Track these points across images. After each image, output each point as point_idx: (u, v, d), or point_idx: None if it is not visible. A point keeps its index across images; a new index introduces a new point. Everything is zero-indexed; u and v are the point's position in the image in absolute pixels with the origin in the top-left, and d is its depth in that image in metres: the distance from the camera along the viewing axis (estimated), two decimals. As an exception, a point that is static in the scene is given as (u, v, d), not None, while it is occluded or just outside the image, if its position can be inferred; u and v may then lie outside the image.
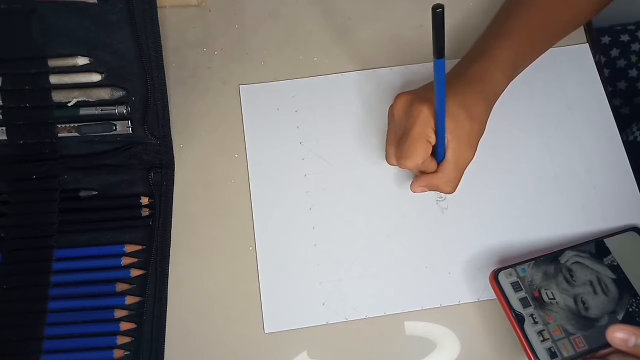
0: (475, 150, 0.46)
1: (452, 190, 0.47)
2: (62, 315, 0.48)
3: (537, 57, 0.53)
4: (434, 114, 0.44)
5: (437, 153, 0.46)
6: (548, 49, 0.53)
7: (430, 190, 0.48)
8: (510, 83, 0.54)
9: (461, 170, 0.46)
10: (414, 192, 0.48)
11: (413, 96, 0.46)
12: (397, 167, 0.48)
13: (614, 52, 0.86)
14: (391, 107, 0.48)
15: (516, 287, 0.45)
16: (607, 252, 0.48)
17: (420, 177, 0.48)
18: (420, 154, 0.45)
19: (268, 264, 0.50)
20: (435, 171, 0.47)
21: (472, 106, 0.45)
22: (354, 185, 0.53)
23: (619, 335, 0.38)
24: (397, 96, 0.47)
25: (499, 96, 0.49)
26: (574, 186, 0.52)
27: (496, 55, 0.48)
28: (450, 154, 0.45)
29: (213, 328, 0.49)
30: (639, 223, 0.51)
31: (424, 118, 0.44)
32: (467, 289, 0.49)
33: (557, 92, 0.56)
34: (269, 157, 0.54)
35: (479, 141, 0.46)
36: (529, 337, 0.43)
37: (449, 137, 0.44)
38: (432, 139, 0.45)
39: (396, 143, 0.47)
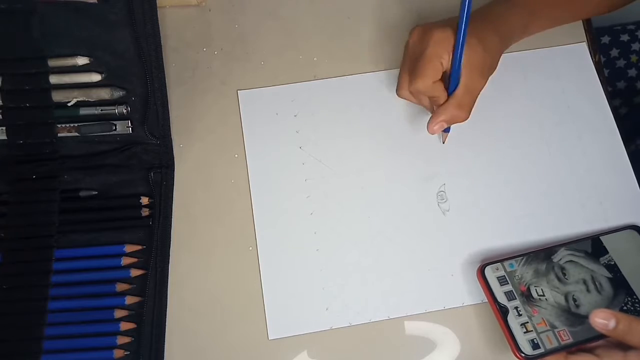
0: (485, 82, 0.48)
1: (467, 115, 0.48)
2: (62, 315, 0.48)
3: (560, 15, 0.54)
4: (449, 39, 0.46)
5: (451, 81, 0.47)
6: (572, 9, 0.54)
7: (447, 124, 0.48)
8: (509, 83, 0.55)
9: (473, 97, 0.48)
10: (432, 131, 0.48)
11: (428, 25, 0.48)
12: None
13: (614, 52, 0.86)
14: (409, 36, 0.49)
15: (502, 281, 0.46)
16: (605, 251, 0.48)
17: (434, 113, 0.48)
18: (431, 73, 0.46)
19: (270, 270, 0.50)
20: (447, 101, 0.48)
21: (487, 39, 0.47)
22: (355, 189, 0.53)
23: (599, 318, 0.40)
24: (413, 28, 0.49)
25: (513, 39, 0.51)
26: (575, 186, 0.52)
27: (515, 0, 0.51)
28: (462, 80, 0.47)
29: (214, 328, 0.49)
30: (638, 222, 0.51)
31: (437, 40, 0.46)
32: (471, 291, 0.49)
33: (556, 92, 0.56)
34: (269, 162, 0.54)
35: (489, 75, 0.48)
36: (511, 328, 0.44)
37: (462, 63, 0.46)
38: (445, 61, 0.46)
39: (409, 71, 0.48)
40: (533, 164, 0.53)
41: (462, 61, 0.46)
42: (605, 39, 0.87)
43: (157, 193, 0.52)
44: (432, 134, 0.49)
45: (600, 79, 0.56)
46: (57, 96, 0.51)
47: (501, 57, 0.50)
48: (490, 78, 0.56)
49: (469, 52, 0.46)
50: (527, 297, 0.45)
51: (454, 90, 0.47)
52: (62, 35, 0.49)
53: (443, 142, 0.54)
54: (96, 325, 0.48)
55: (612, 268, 0.47)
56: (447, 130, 0.52)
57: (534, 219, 0.51)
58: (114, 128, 0.51)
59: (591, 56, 0.57)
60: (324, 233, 0.51)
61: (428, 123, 0.48)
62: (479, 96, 0.48)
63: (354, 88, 0.56)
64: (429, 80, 0.46)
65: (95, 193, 0.51)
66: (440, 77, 0.47)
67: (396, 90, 0.50)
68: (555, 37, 0.57)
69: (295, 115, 0.55)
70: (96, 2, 0.47)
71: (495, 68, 0.49)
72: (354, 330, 0.48)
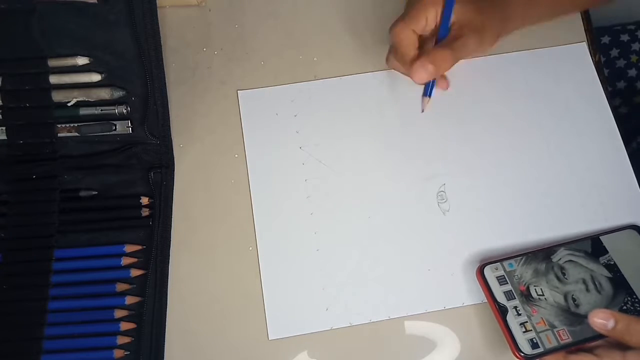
0: (475, 43, 0.46)
1: (449, 64, 0.46)
2: (62, 315, 0.48)
3: (561, 4, 0.54)
4: None
5: (439, 35, 0.47)
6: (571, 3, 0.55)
7: (432, 72, 0.46)
8: (509, 82, 0.54)
9: (455, 52, 0.46)
10: (419, 79, 0.47)
11: None
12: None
13: (614, 52, 0.86)
14: None
15: (502, 280, 0.46)
16: (604, 251, 0.48)
17: (419, 59, 0.47)
18: (424, 17, 0.46)
19: (270, 270, 0.50)
20: (433, 48, 0.47)
21: (483, 9, 0.47)
22: (355, 189, 0.53)
23: (598, 318, 0.40)
24: None
25: (511, 21, 0.50)
26: (575, 186, 0.52)
27: None
28: (451, 33, 0.46)
29: (214, 328, 0.49)
30: (638, 221, 0.51)
31: None
32: (471, 291, 0.49)
33: (555, 92, 0.56)
34: (269, 162, 0.53)
35: (481, 42, 0.47)
36: (510, 327, 0.44)
37: (453, 20, 0.46)
38: (439, 9, 0.46)
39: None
40: (533, 163, 0.53)
41: (451, 17, 0.45)
42: (605, 39, 0.86)
43: (157, 193, 0.51)
44: (420, 83, 0.48)
45: (600, 79, 0.56)
46: (57, 96, 0.51)
47: (499, 38, 0.49)
48: (490, 78, 0.56)
49: (460, 9, 0.45)
50: (526, 296, 0.45)
51: (444, 34, 0.47)
52: (62, 35, 0.49)
53: (422, 111, 0.52)
54: (96, 325, 0.48)
55: (612, 268, 0.47)
56: (428, 94, 0.51)
57: (534, 219, 0.51)
58: (114, 128, 0.51)
59: (591, 56, 0.57)
60: (324, 233, 0.51)
61: (412, 72, 0.47)
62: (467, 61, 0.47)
63: (354, 88, 0.56)
64: (422, 22, 0.46)
65: (95, 193, 0.51)
66: (434, 23, 0.46)
67: (390, 30, 0.49)
68: (555, 37, 0.57)
69: (295, 115, 0.55)
70: (96, 2, 0.47)
71: (492, 45, 0.48)
72: (354, 331, 0.48)
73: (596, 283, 0.46)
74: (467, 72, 0.56)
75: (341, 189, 0.53)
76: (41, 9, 0.48)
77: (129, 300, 0.48)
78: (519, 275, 0.46)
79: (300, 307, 0.49)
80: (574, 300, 0.45)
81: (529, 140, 0.54)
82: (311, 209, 0.52)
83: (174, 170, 0.53)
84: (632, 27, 0.87)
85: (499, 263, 0.47)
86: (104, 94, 0.51)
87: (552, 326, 0.44)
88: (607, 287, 0.46)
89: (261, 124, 0.55)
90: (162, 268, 0.50)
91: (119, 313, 0.48)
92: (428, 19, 0.46)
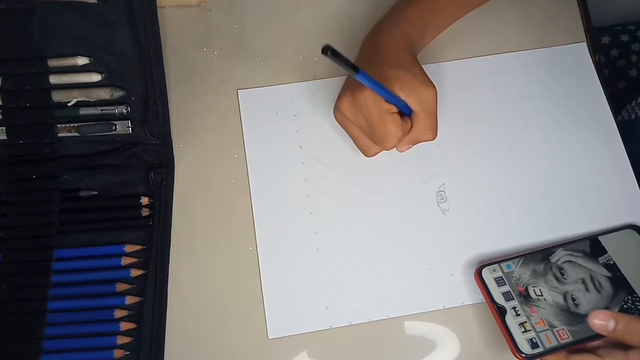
0: (431, 85, 0.46)
1: (434, 135, 0.48)
2: (62, 315, 0.48)
3: (456, 15, 0.55)
4: (372, 93, 0.45)
5: (404, 112, 0.47)
6: (465, 8, 0.56)
7: (414, 144, 0.49)
8: (509, 82, 0.54)
9: (432, 114, 0.47)
10: (401, 151, 0.49)
11: (347, 93, 0.47)
12: (377, 156, 0.50)
13: (614, 52, 0.86)
14: (337, 114, 0.49)
15: (500, 281, 0.46)
16: (603, 251, 0.48)
17: (403, 139, 0.48)
18: (395, 128, 0.46)
19: (270, 270, 0.50)
20: (412, 128, 0.48)
21: (399, 60, 0.47)
22: (355, 188, 0.53)
23: (598, 320, 0.40)
24: (336, 104, 0.48)
25: (416, 44, 0.51)
26: (574, 186, 0.52)
27: (402, 12, 0.52)
28: (413, 106, 0.46)
29: (214, 328, 0.49)
30: (638, 222, 0.51)
31: (372, 99, 0.45)
32: (470, 290, 0.49)
33: (555, 92, 0.56)
34: (269, 161, 0.53)
35: (426, 76, 0.47)
36: (509, 328, 0.44)
37: (401, 95, 0.45)
38: (393, 108, 0.46)
39: (366, 136, 0.48)
40: (533, 164, 0.53)
41: (395, 97, 0.45)
42: (605, 39, 0.86)
43: (157, 193, 0.52)
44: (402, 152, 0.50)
45: (600, 79, 0.56)
46: (57, 96, 0.51)
47: (421, 46, 0.52)
48: (490, 77, 0.56)
49: (397, 82, 0.45)
50: (525, 297, 0.45)
51: (409, 112, 0.47)
52: (62, 35, 0.49)
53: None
54: (96, 325, 0.48)
55: (611, 267, 0.47)
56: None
57: (533, 219, 0.51)
58: (114, 128, 0.51)
59: (591, 56, 0.57)
60: (324, 232, 0.51)
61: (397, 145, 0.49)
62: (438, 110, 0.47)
63: (353, 88, 0.56)
64: (398, 133, 0.46)
65: (95, 193, 0.51)
66: (400, 121, 0.46)
67: (364, 153, 0.50)
68: (556, 37, 0.57)
69: (295, 115, 0.55)
70: (96, 2, 0.47)
71: (421, 67, 0.48)
72: (353, 330, 0.48)
73: (595, 283, 0.46)
74: (466, 71, 0.56)
75: (341, 188, 0.53)
76: (41, 9, 0.48)
77: (129, 300, 0.48)
78: (517, 276, 0.46)
79: (299, 307, 0.49)
80: (573, 300, 0.45)
81: (529, 140, 0.54)
82: (311, 209, 0.52)
83: (174, 170, 0.53)
84: (632, 27, 0.87)
85: (496, 265, 0.47)
86: (104, 94, 0.51)
87: (552, 326, 0.44)
88: (606, 286, 0.46)
89: (261, 124, 0.55)
90: (162, 268, 0.50)
91: (119, 313, 0.48)
92: (393, 110, 0.46)
